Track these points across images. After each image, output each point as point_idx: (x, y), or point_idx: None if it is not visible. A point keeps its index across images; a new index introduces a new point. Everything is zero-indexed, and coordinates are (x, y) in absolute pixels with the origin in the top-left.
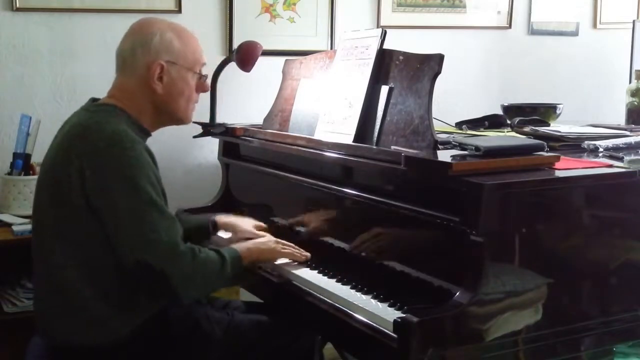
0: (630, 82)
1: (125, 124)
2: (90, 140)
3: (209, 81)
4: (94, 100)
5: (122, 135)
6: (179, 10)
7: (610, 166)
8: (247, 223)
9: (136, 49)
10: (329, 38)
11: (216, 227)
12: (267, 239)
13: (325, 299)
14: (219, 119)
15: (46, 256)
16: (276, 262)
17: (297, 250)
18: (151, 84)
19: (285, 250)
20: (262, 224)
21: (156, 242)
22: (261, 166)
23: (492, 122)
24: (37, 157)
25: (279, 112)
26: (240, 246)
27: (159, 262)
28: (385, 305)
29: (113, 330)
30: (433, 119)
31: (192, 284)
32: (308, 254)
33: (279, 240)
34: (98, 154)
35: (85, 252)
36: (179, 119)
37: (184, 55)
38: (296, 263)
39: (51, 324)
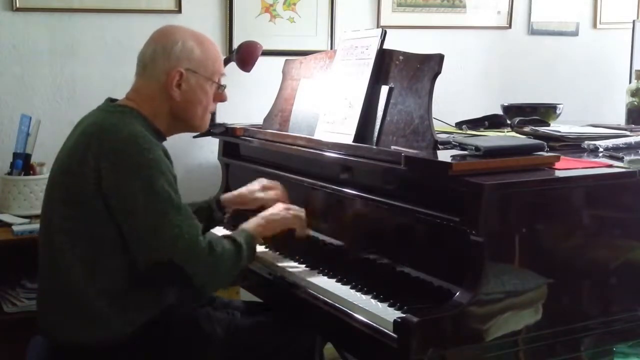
0: (630, 82)
1: (141, 126)
2: (108, 140)
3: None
4: (111, 100)
5: (139, 136)
6: (179, 10)
7: (610, 166)
8: (253, 191)
9: (157, 55)
10: (329, 38)
11: (221, 206)
12: (275, 209)
13: (325, 299)
14: (219, 119)
15: (54, 254)
16: (277, 262)
17: (304, 217)
18: (169, 90)
19: (294, 213)
20: (271, 182)
21: (177, 240)
22: (261, 166)
23: (492, 122)
24: (37, 157)
25: (279, 112)
26: (251, 224)
27: (181, 259)
28: (385, 305)
29: (116, 329)
30: (433, 119)
31: (213, 277)
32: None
33: (289, 205)
34: (115, 154)
35: (94, 251)
36: (194, 127)
37: (204, 65)
38: (295, 263)
39: (54, 322)
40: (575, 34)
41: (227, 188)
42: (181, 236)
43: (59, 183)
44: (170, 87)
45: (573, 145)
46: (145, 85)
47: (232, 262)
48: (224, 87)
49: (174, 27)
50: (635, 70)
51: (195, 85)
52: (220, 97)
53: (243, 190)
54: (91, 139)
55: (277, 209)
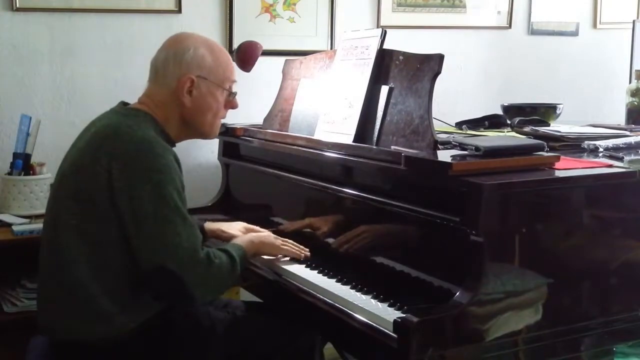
0: (630, 82)
1: (154, 130)
2: (121, 142)
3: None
4: (124, 104)
5: (152, 141)
6: (179, 10)
7: (610, 166)
8: (234, 228)
9: (169, 61)
10: (329, 38)
11: (204, 233)
12: (267, 234)
13: (325, 299)
14: None
15: (58, 251)
16: (277, 262)
17: (296, 248)
18: (180, 97)
19: (285, 247)
20: (254, 227)
21: (177, 248)
22: (261, 166)
23: (492, 122)
24: (37, 157)
25: (279, 112)
26: (243, 240)
27: (178, 267)
28: (385, 305)
29: (116, 326)
30: (433, 119)
31: (207, 288)
32: (308, 253)
33: (278, 237)
34: (128, 157)
35: (99, 249)
36: (204, 133)
37: (215, 72)
38: (295, 262)
39: (55, 319)
40: (575, 34)
41: (227, 188)
42: (181, 244)
43: (69, 181)
44: (181, 93)
45: (573, 145)
46: (157, 91)
47: (226, 276)
48: (235, 94)
49: (186, 34)
50: (635, 70)
51: (206, 92)
52: (231, 104)
53: (224, 228)
54: (105, 139)
55: (268, 234)
